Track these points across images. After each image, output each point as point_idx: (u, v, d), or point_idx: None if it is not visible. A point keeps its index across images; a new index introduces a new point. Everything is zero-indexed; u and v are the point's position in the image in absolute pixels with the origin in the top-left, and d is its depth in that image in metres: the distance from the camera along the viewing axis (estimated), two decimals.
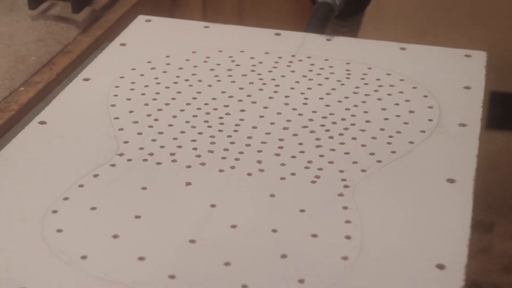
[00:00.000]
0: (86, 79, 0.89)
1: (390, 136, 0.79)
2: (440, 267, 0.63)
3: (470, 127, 0.81)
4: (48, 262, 0.64)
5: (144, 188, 0.72)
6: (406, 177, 0.74)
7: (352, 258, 0.64)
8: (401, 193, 0.71)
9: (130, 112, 0.83)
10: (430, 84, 0.88)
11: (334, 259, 0.64)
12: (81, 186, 0.72)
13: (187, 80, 0.89)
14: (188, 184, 0.73)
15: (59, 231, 0.67)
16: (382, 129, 0.80)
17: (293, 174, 0.74)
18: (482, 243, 1.97)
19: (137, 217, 0.68)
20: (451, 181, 0.73)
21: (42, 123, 0.81)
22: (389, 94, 0.86)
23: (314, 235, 0.66)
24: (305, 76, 0.90)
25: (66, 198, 0.71)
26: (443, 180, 0.73)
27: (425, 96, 0.86)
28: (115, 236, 0.66)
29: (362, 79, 0.89)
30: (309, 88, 0.87)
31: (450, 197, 0.71)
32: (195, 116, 0.82)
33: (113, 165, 0.75)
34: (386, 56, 0.93)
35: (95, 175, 0.73)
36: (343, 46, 0.96)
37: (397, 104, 0.84)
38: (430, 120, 0.82)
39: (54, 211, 0.69)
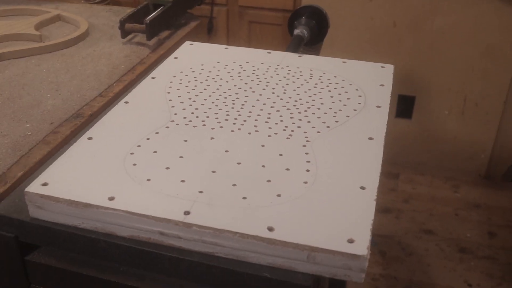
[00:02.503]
0: (153, 77, 0.87)
1: (335, 112, 0.78)
2: (362, 188, 0.62)
3: (383, 108, 0.79)
4: (127, 183, 0.63)
5: (185, 141, 0.71)
6: (344, 136, 0.72)
7: (310, 182, 0.63)
8: (341, 145, 0.70)
9: (179, 96, 0.81)
10: (361, 83, 0.86)
11: (299, 183, 0.63)
12: (148, 139, 0.71)
13: (213, 78, 0.87)
14: (212, 138, 0.71)
15: (134, 164, 0.66)
16: (331, 108, 0.79)
17: (276, 133, 0.73)
18: (391, 185, 1.96)
19: (181, 157, 0.67)
20: (370, 139, 0.72)
21: (126, 102, 0.80)
22: (335, 88, 0.85)
23: (287, 169, 0.65)
24: (285, 77, 0.88)
25: (139, 146, 0.69)
26: (365, 138, 0.72)
27: (357, 90, 0.84)
28: (167, 168, 0.65)
29: (319, 79, 0.87)
30: (287, 84, 0.86)
31: (370, 148, 0.70)
32: (217, 99, 0.81)
33: (167, 127, 0.74)
34: (334, 66, 0.91)
35: (157, 133, 0.72)
36: (308, 60, 0.94)
37: (340, 94, 0.83)
38: (359, 103, 0.80)
39: (132, 153, 0.68)
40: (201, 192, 0.61)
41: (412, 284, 1.56)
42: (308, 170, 0.65)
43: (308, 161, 0.67)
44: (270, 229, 0.56)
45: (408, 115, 1.95)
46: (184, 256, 0.58)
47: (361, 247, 0.54)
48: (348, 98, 0.81)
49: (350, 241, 0.55)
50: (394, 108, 1.94)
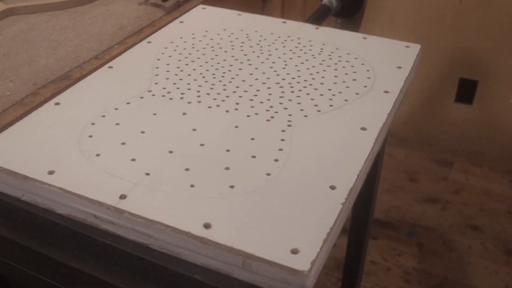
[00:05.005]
0: (149, 42, 0.80)
1: (333, 95, 0.67)
2: (332, 187, 0.52)
3: (391, 94, 0.67)
4: (74, 156, 0.56)
5: (154, 114, 0.63)
6: (333, 123, 0.62)
7: (273, 174, 0.54)
8: (324, 134, 0.60)
9: (167, 64, 0.74)
10: (375, 62, 0.74)
11: (260, 174, 0.54)
12: (116, 109, 0.64)
13: (212, 46, 0.79)
14: (184, 113, 0.63)
15: (90, 136, 0.59)
16: (329, 89, 0.68)
17: (256, 114, 0.63)
18: (443, 173, 1.81)
19: (142, 132, 0.60)
20: (363, 129, 0.61)
21: (110, 67, 0.73)
22: (343, 67, 0.73)
23: (253, 156, 0.56)
24: (291, 50, 0.78)
25: (103, 116, 0.63)
26: (358, 128, 0.61)
27: (368, 70, 0.73)
28: (123, 143, 0.58)
29: (329, 55, 0.76)
30: (290, 58, 0.75)
31: (359, 140, 0.59)
32: (207, 70, 0.72)
33: (141, 97, 0.66)
34: (352, 42, 0.80)
35: (128, 103, 0.65)
36: (324, 33, 0.83)
37: (346, 74, 0.72)
38: (365, 86, 0.69)
39: (93, 123, 0.61)
40: (147, 174, 0.54)
41: (446, 282, 1.43)
42: (276, 160, 0.56)
43: (280, 149, 0.57)
44: (207, 226, 0.48)
45: (468, 100, 1.77)
46: (117, 244, 0.52)
47: (304, 260, 0.45)
48: (354, 80, 0.70)
49: (294, 251, 0.45)
50: (454, 93, 1.76)
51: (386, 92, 0.68)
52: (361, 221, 1.03)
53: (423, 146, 1.90)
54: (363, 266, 1.16)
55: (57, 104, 0.65)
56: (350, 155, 0.56)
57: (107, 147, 0.57)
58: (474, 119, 1.79)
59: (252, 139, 0.59)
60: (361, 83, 0.69)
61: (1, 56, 0.82)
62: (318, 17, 0.89)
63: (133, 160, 0.56)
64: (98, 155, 0.56)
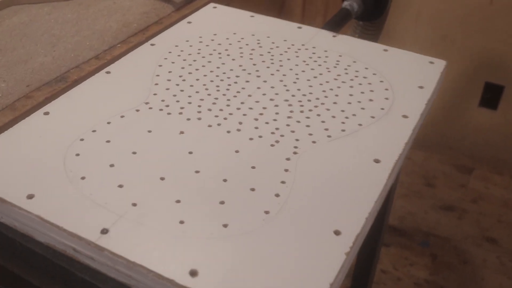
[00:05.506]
0: (152, 44, 0.75)
1: (346, 117, 0.61)
2: (337, 233, 0.47)
3: (410, 119, 0.61)
4: (56, 179, 0.51)
5: (149, 131, 0.58)
6: (343, 153, 0.56)
7: (272, 213, 0.48)
8: (333, 166, 0.54)
9: (169, 72, 0.68)
10: (394, 80, 0.68)
11: (258, 212, 0.49)
12: (108, 123, 0.59)
13: (219, 53, 0.73)
14: (181, 132, 0.58)
15: (77, 155, 0.54)
16: (343, 111, 0.62)
17: (260, 136, 0.58)
18: (462, 180, 1.73)
19: (134, 153, 0.55)
20: (377, 161, 0.55)
21: (108, 72, 0.68)
22: (360, 84, 0.67)
23: (252, 189, 0.51)
24: (304, 61, 0.72)
25: (94, 131, 0.58)
26: (371, 160, 0.55)
27: (386, 89, 0.66)
28: (111, 165, 0.53)
29: (345, 69, 0.70)
30: (303, 71, 0.70)
31: (371, 175, 0.53)
32: (212, 81, 0.67)
33: (137, 110, 0.61)
34: (371, 55, 0.74)
35: (122, 116, 0.60)
36: (342, 42, 0.76)
37: (362, 93, 0.66)
38: (382, 109, 0.63)
39: (81, 139, 0.56)
40: (134, 204, 0.49)
41: None
42: (277, 195, 0.50)
43: (282, 182, 0.52)
44: (193, 273, 0.43)
45: (493, 106, 1.69)
46: (97, 283, 0.47)
47: None
48: (370, 100, 0.64)
49: None
50: (478, 97, 1.68)
51: (404, 116, 0.62)
52: (375, 227, 0.97)
53: (443, 149, 1.83)
54: (374, 275, 1.11)
55: (46, 113, 0.60)
56: (359, 193, 0.51)
57: (94, 169, 0.52)
58: (497, 125, 1.71)
59: (253, 167, 0.53)
60: (378, 105, 0.63)
61: None
62: (337, 23, 0.83)
63: (120, 186, 0.51)
64: (83, 178, 0.51)
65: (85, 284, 0.47)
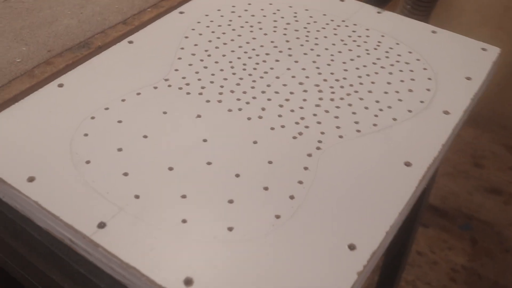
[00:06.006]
0: (181, 12, 0.70)
1: (380, 110, 0.55)
2: (351, 247, 0.42)
3: (452, 116, 0.55)
4: (60, 161, 0.48)
5: (164, 113, 0.54)
6: (371, 152, 0.51)
7: (284, 218, 0.44)
8: (357, 166, 0.49)
9: (195, 45, 0.64)
10: (440, 68, 0.61)
11: (268, 216, 0.44)
12: (123, 100, 0.55)
13: (251, 26, 0.67)
14: (198, 116, 0.54)
15: (85, 135, 0.51)
16: (377, 101, 0.56)
17: (282, 126, 0.53)
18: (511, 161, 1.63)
19: (145, 136, 0.51)
20: (408, 164, 0.49)
21: (130, 42, 0.64)
22: (400, 71, 0.61)
23: (266, 188, 0.47)
24: (342, 41, 0.65)
25: (107, 108, 0.54)
26: (401, 162, 0.50)
27: (429, 79, 0.60)
28: (119, 150, 0.50)
29: (386, 52, 0.64)
30: (339, 52, 0.63)
31: (399, 180, 0.48)
32: (239, 58, 0.62)
33: (155, 88, 0.57)
34: (417, 36, 0.66)
35: (138, 93, 0.56)
36: (386, 20, 0.69)
37: (402, 81, 0.59)
38: (422, 102, 0.57)
39: (92, 117, 0.53)
40: (137, 197, 0.45)
41: (496, 287, 1.31)
42: (292, 197, 0.46)
43: (300, 182, 0.47)
44: (188, 282, 0.39)
45: None
46: (92, 277, 0.44)
47: None
48: (410, 90, 0.58)
49: None
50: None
51: (446, 112, 0.55)
52: (413, 206, 0.92)
53: (495, 128, 1.72)
54: (408, 256, 1.06)
55: (60, 85, 0.57)
56: (383, 202, 0.46)
57: (101, 153, 0.49)
58: None
59: (270, 162, 0.49)
60: (418, 97, 0.57)
61: (24, 10, 0.74)
62: None
63: (125, 174, 0.47)
64: (88, 162, 0.48)
65: (81, 276, 0.45)
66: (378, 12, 0.71)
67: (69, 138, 0.51)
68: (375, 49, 0.64)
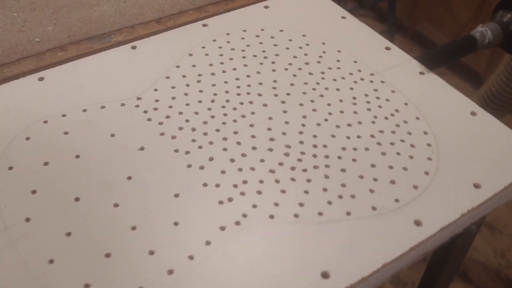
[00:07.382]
0: (205, 25, 0.65)
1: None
2: None
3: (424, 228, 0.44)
4: None
5: (112, 135, 0.51)
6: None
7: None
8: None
9: (193, 66, 0.59)
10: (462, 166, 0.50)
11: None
12: (84, 110, 0.53)
13: (265, 57, 0.60)
14: (141, 148, 0.50)
15: (27, 138, 0.50)
16: (353, 196, 0.48)
17: (255, 206, 0.46)
18: None
19: (77, 156, 0.49)
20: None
21: (133, 47, 0.61)
22: (397, 153, 0.51)
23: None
24: (354, 98, 0.56)
25: (64, 115, 0.52)
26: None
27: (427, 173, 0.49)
28: (45, 163, 0.48)
29: (397, 126, 0.53)
30: (341, 112, 0.54)
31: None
32: (226, 92, 0.56)
33: (122, 104, 0.54)
34: (450, 114, 0.55)
35: (102, 107, 0.54)
36: (423, 84, 0.58)
37: (401, 171, 0.49)
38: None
39: (45, 122, 0.52)
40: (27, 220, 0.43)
41: None
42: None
43: None
44: None
45: None
46: None
47: None
48: (395, 201, 0.48)
49: None
50: None
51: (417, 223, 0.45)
52: None
53: None
54: None
55: (40, 79, 0.56)
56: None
57: (25, 162, 0.48)
58: None
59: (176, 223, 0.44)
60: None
61: None
62: (443, 55, 0.63)
63: (33, 192, 0.45)
64: (10, 168, 0.47)
65: None
66: (421, 73, 0.59)
67: (10, 139, 0.50)
68: (386, 118, 0.54)
